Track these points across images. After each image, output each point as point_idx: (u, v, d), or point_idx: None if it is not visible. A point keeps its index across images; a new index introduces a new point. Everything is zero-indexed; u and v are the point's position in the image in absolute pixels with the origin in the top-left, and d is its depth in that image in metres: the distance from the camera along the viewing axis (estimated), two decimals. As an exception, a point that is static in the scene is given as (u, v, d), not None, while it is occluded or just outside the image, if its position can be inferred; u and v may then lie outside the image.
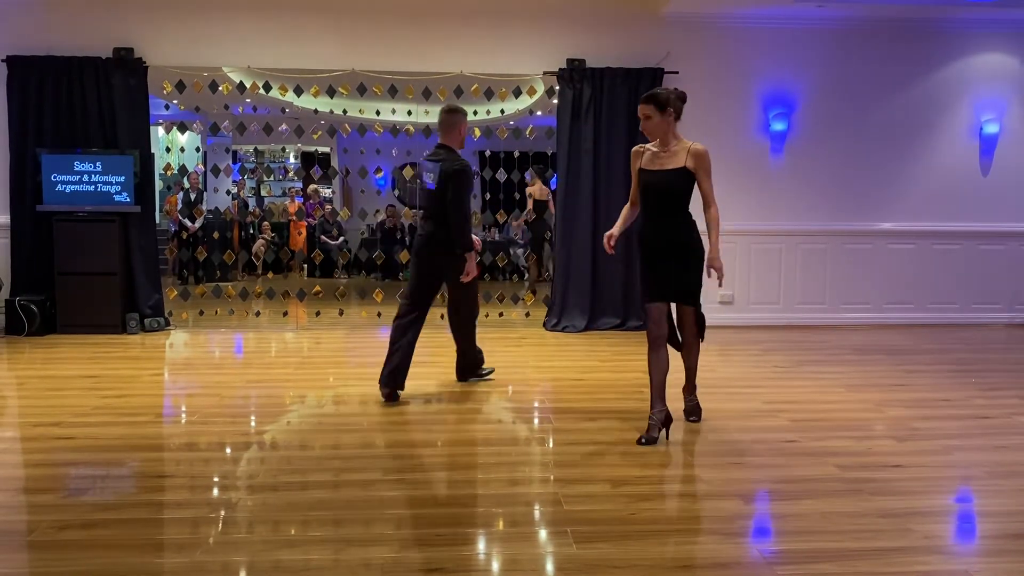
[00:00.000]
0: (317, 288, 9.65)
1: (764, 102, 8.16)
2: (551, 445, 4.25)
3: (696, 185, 4.29)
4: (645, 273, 4.35)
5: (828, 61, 8.17)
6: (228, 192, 12.42)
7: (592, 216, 7.81)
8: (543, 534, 3.10)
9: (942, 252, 8.47)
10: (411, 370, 6.22)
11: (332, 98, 8.05)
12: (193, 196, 11.93)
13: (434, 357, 6.87)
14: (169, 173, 8.76)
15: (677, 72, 7.83)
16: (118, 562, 2.79)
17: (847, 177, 8.29)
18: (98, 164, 7.48)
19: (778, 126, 8.13)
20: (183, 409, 5.06)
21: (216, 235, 10.60)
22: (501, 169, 8.34)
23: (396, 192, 16.44)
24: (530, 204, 10.64)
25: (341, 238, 13.76)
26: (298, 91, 8.02)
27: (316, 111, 8.92)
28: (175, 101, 10.37)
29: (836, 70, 8.18)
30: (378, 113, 8.96)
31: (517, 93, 8.30)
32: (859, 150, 8.28)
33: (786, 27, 8.05)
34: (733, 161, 8.09)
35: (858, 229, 8.35)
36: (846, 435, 4.40)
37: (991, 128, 8.32)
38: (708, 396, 5.27)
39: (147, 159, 7.75)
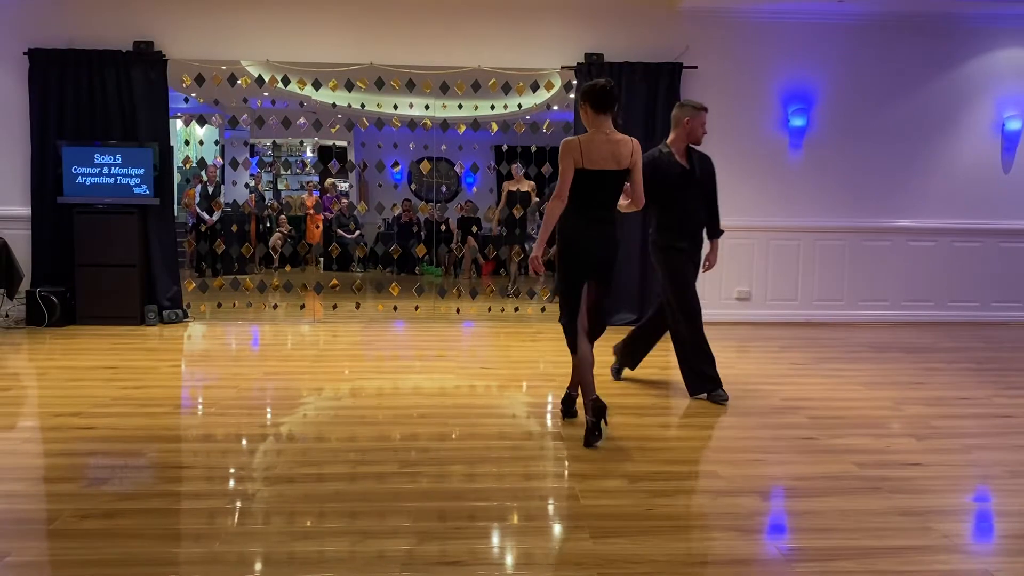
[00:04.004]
0: (334, 281, 9.68)
1: (783, 98, 8.11)
2: (567, 440, 4.24)
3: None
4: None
5: (848, 56, 8.11)
6: (246, 185, 12.49)
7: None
8: (561, 528, 3.10)
9: (962, 250, 8.40)
10: (428, 364, 6.26)
11: (350, 92, 8.07)
12: (211, 189, 11.98)
13: (449, 351, 6.88)
14: (188, 166, 8.78)
15: (696, 67, 7.80)
16: (138, 551, 2.81)
17: (866, 173, 8.23)
18: (118, 157, 7.53)
19: (797, 122, 8.08)
20: (201, 400, 5.09)
21: (234, 228, 10.65)
22: (518, 163, 8.32)
23: (412, 186, 16.46)
24: (503, 199, 10.06)
25: (357, 232, 13.80)
26: (316, 85, 8.04)
27: (334, 105, 8.94)
28: (194, 94, 10.40)
29: (856, 65, 8.12)
30: (395, 107, 8.98)
31: (534, 87, 8.27)
32: (879, 146, 8.21)
33: (806, 22, 7.99)
34: (751, 157, 8.05)
35: (877, 226, 8.28)
36: (864, 433, 4.37)
37: (1013, 125, 8.23)
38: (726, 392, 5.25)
39: (166, 152, 7.80)
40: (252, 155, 15.29)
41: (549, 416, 4.81)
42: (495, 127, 8.43)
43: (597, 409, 4.05)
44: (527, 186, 10.23)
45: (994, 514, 3.35)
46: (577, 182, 4.15)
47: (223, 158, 12.79)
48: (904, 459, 3.94)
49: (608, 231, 4.27)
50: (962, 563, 2.83)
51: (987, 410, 4.93)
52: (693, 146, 5.04)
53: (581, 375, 4.24)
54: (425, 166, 9.19)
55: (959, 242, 8.39)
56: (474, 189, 15.84)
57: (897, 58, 8.13)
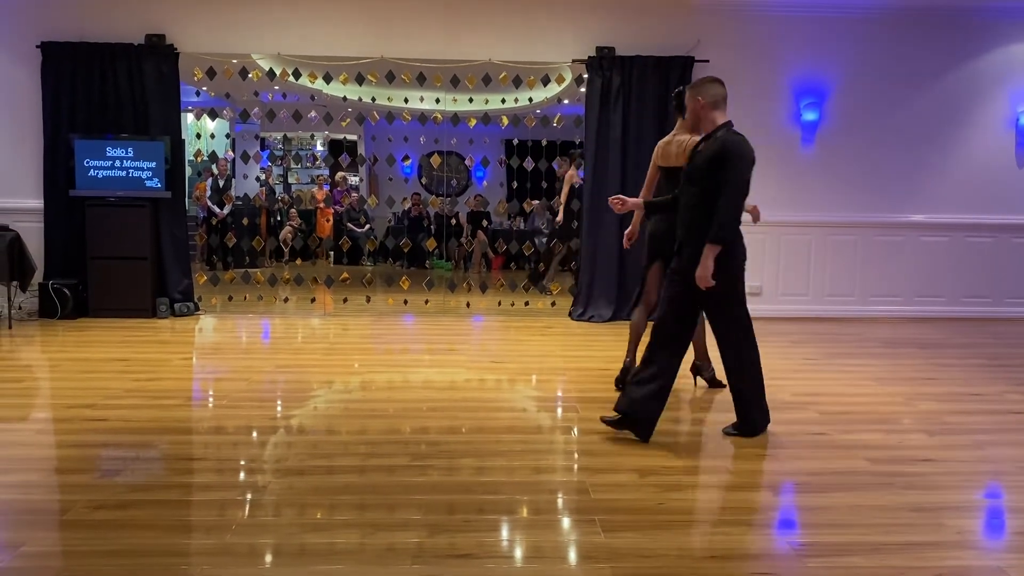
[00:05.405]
0: (344, 275, 9.69)
1: (795, 91, 8.06)
2: (577, 434, 4.24)
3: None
4: None
5: (861, 50, 8.05)
6: (257, 179, 12.50)
7: (620, 206, 7.77)
8: (571, 522, 3.10)
9: (975, 245, 8.34)
10: (438, 358, 6.27)
11: (361, 85, 8.07)
12: (222, 183, 12.01)
13: (459, 345, 6.89)
14: (199, 160, 8.82)
15: (707, 61, 7.76)
16: (150, 542, 2.83)
17: (879, 168, 8.18)
18: (130, 150, 7.56)
19: (809, 116, 8.04)
20: (212, 393, 5.11)
21: (245, 222, 10.69)
22: (528, 158, 8.32)
23: (423, 180, 16.46)
24: (566, 191, 9.54)
25: (367, 226, 13.81)
26: (327, 78, 8.05)
27: (345, 98, 8.93)
28: (205, 88, 10.44)
29: (869, 59, 8.06)
30: (406, 101, 8.97)
31: (545, 81, 8.25)
32: (892, 141, 8.16)
33: (818, 15, 7.93)
34: (763, 151, 7.86)
35: (889, 221, 8.24)
36: (876, 428, 4.36)
37: (1028, 119, 8.16)
38: (736, 387, 5.23)
39: (177, 145, 7.82)
40: (263, 149, 15.31)
41: (559, 410, 4.81)
42: (505, 121, 8.42)
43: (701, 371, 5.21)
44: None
45: (1006, 510, 3.33)
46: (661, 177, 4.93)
47: (234, 152, 12.80)
48: (916, 455, 3.92)
49: (672, 220, 4.47)
50: (975, 559, 2.82)
51: (999, 406, 4.90)
52: (712, 132, 4.09)
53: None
54: (435, 160, 9.19)
55: (972, 237, 8.34)
56: (484, 183, 15.76)
57: (911, 52, 8.07)
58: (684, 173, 4.16)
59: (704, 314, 4.65)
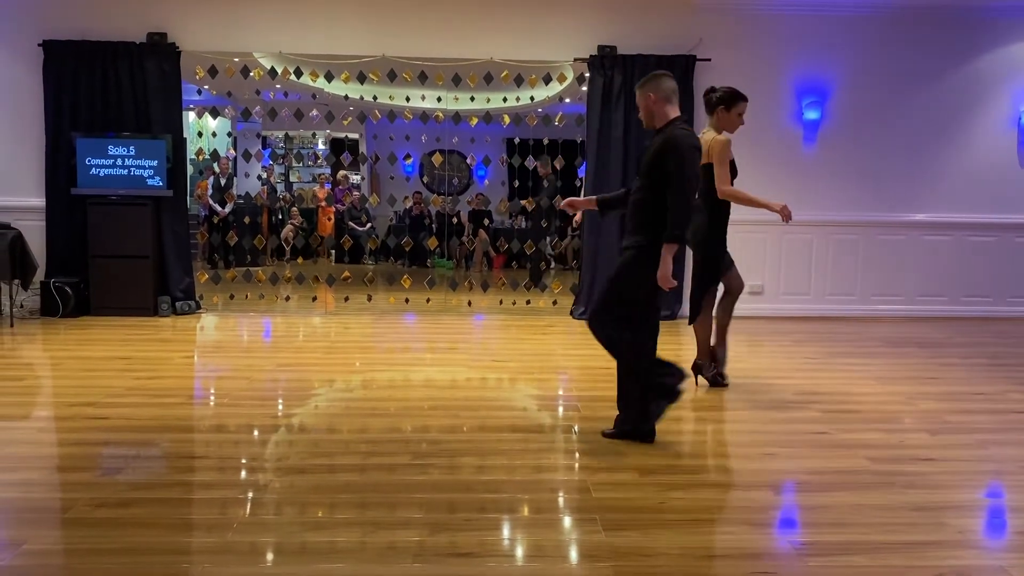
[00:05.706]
0: (346, 274, 9.69)
1: (797, 90, 8.06)
2: (578, 433, 4.23)
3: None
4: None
5: (863, 49, 8.04)
6: (258, 177, 12.49)
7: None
8: (572, 521, 3.10)
9: (977, 244, 8.33)
10: (439, 356, 6.27)
11: (362, 84, 8.06)
12: (223, 181, 12.01)
13: (460, 344, 6.89)
14: (200, 158, 8.81)
15: (709, 60, 7.76)
16: (151, 540, 2.83)
17: (881, 167, 8.18)
18: (131, 148, 7.57)
19: (811, 115, 8.03)
20: (213, 391, 5.11)
21: (246, 220, 10.68)
22: (530, 156, 8.32)
23: (424, 179, 16.45)
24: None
25: (369, 224, 13.81)
26: (329, 77, 8.05)
27: (346, 97, 8.93)
28: (207, 86, 10.44)
29: (871, 58, 8.06)
30: (408, 99, 8.96)
31: (547, 80, 8.25)
32: (894, 140, 8.15)
33: (820, 14, 7.93)
34: (765, 150, 8.00)
35: (892, 220, 8.23)
36: (878, 427, 4.35)
37: (1031, 118, 8.15)
38: (737, 386, 5.24)
39: (179, 144, 7.82)
40: (264, 147, 15.31)
41: (560, 408, 4.81)
42: (507, 120, 8.41)
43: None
44: None
45: (1008, 509, 3.32)
46: None
47: (235, 150, 12.80)
48: (917, 454, 3.91)
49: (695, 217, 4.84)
50: (976, 559, 2.81)
51: (1001, 406, 4.89)
52: (663, 127, 4.01)
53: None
54: (437, 159, 9.19)
55: (974, 237, 8.33)
56: (486, 182, 15.76)
57: (913, 51, 8.06)
58: (637, 169, 4.04)
59: (720, 308, 5.15)
